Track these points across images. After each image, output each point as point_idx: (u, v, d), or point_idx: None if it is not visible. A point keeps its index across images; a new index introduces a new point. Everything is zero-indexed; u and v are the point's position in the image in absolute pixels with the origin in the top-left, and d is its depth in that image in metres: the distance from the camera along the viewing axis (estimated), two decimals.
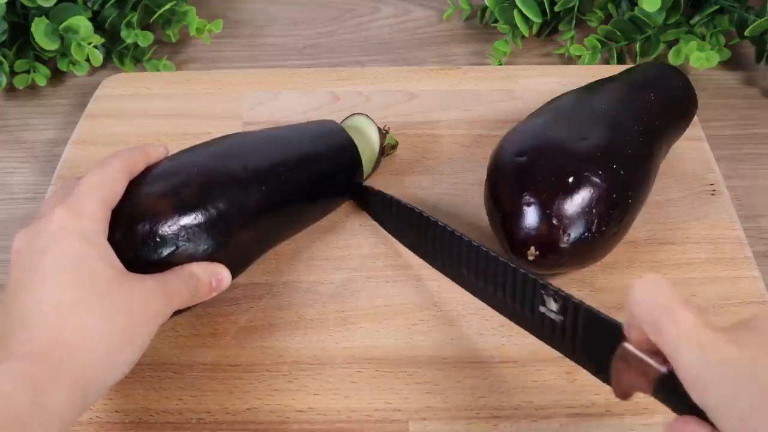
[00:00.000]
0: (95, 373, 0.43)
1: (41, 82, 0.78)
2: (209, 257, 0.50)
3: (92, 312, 0.43)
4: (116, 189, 0.49)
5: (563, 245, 0.52)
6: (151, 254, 0.48)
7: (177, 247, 0.48)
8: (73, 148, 0.68)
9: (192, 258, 0.49)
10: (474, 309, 0.56)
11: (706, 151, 0.67)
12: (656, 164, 0.58)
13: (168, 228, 0.48)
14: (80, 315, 0.43)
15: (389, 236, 0.61)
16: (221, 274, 0.51)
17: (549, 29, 0.85)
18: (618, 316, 0.55)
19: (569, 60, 0.82)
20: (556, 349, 0.46)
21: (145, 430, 0.51)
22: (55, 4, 0.75)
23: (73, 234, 0.45)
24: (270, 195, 0.54)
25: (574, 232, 0.52)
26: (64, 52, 0.77)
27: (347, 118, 0.64)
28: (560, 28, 0.84)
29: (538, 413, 0.51)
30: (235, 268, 0.54)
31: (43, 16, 0.75)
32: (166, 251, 0.48)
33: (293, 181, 0.55)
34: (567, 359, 0.52)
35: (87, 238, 0.45)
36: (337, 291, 0.58)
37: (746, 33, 0.75)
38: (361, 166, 0.60)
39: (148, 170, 0.52)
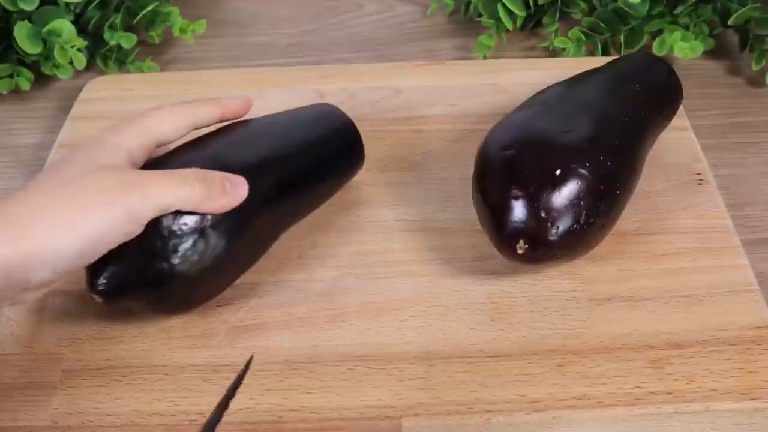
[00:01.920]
0: (38, 241, 0.44)
1: (25, 86, 0.77)
2: (227, 249, 0.51)
3: (53, 191, 0.46)
4: (157, 139, 0.53)
5: (552, 238, 0.52)
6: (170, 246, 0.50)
7: (196, 239, 0.50)
8: (58, 152, 0.68)
9: (212, 250, 0.51)
10: (464, 304, 0.56)
11: (692, 141, 0.67)
12: (643, 155, 0.58)
13: (189, 218, 0.50)
14: (40, 191, 0.46)
15: (378, 233, 0.61)
16: (237, 180, 0.51)
17: (533, 22, 0.85)
18: (608, 307, 0.55)
19: (554, 53, 0.82)
20: None
21: None
22: (38, 8, 0.74)
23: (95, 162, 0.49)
24: (281, 181, 0.55)
25: (563, 224, 0.52)
26: (47, 55, 0.76)
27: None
28: (544, 20, 0.84)
29: (531, 406, 0.51)
30: (249, 259, 0.55)
31: (26, 20, 0.74)
32: (183, 246, 0.50)
33: (304, 164, 0.57)
34: (558, 351, 0.53)
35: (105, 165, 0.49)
36: (327, 289, 0.58)
37: (729, 22, 0.76)
38: (362, 144, 0.61)
39: (159, 163, 0.53)
